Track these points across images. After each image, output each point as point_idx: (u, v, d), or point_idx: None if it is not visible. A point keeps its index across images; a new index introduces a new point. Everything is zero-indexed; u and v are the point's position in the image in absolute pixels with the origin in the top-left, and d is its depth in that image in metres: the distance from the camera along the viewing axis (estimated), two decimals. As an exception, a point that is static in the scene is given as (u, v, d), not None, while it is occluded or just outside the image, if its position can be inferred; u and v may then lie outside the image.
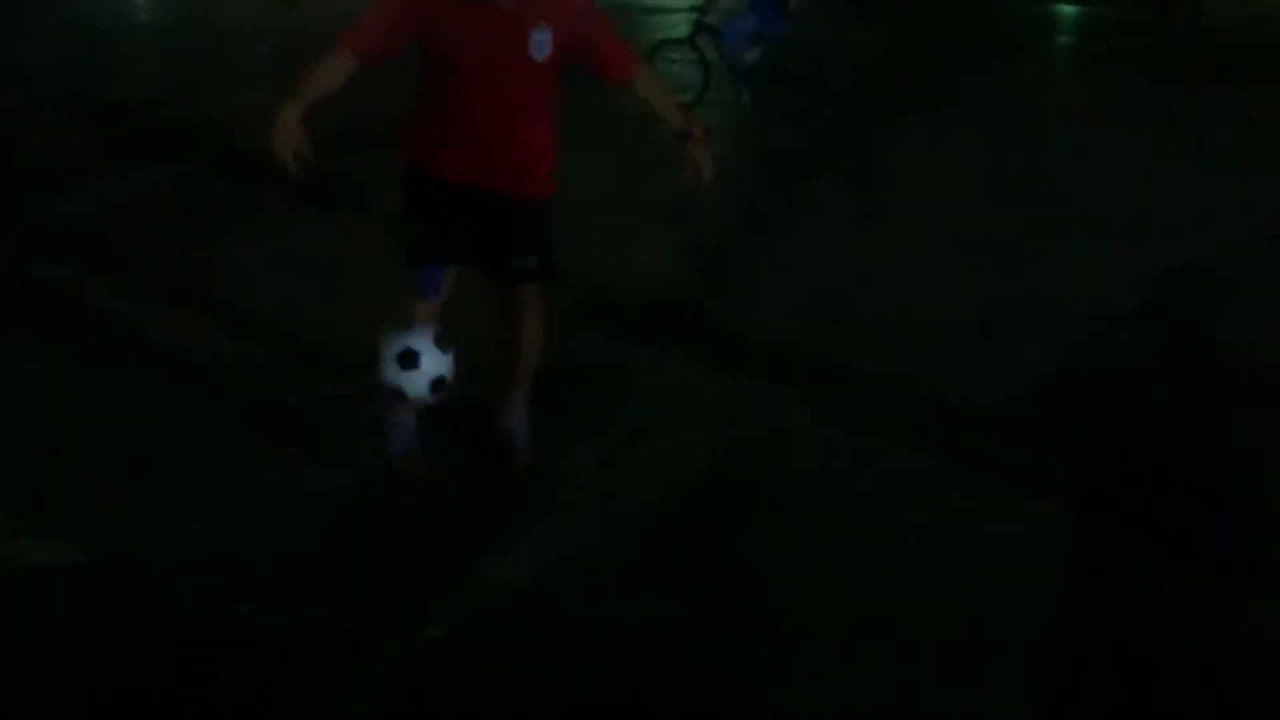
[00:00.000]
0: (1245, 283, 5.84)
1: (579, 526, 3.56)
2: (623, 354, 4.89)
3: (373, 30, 3.30)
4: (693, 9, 11.05)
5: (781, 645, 3.01)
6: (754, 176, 8.65)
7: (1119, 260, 6.17)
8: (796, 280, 5.96)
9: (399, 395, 3.36)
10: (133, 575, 3.16)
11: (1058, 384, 4.76)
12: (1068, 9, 18.23)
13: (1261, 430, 4.31)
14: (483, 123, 3.37)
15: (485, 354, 3.78)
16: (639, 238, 6.70)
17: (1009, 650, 3.06)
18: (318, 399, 4.27)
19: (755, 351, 4.99)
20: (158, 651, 2.89)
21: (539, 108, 3.46)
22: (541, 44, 3.29)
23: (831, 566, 3.38)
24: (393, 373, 3.29)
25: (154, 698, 2.75)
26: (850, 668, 2.93)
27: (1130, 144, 9.30)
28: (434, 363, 3.32)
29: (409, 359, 3.28)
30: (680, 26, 12.69)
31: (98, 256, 5.89)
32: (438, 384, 3.34)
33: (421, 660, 2.91)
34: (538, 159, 3.51)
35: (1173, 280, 5.97)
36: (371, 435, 3.83)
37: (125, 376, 4.41)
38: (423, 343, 3.31)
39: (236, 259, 5.81)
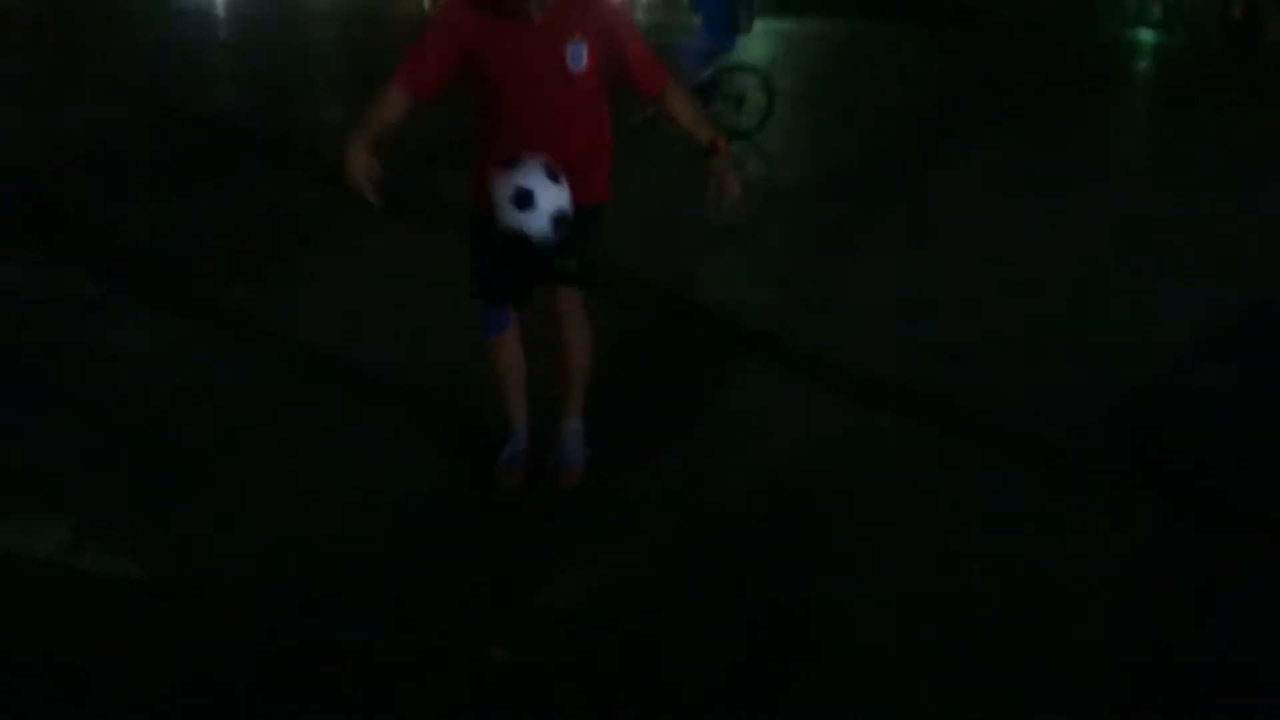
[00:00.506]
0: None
1: (640, 549, 3.46)
2: (689, 375, 4.82)
3: (419, 64, 3.37)
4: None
5: (835, 675, 2.91)
6: (818, 197, 8.59)
7: (1194, 296, 6.01)
8: (861, 302, 5.86)
9: (521, 237, 3.25)
10: (193, 589, 3.13)
11: (1124, 414, 4.59)
12: (1142, 35, 17.99)
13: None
14: (530, 139, 3.36)
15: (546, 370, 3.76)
16: (707, 256, 6.64)
17: (1064, 692, 2.90)
18: (380, 414, 4.23)
19: (823, 374, 4.88)
20: (215, 667, 2.84)
21: (584, 117, 3.48)
22: (577, 55, 3.31)
23: (891, 596, 3.25)
24: (511, 215, 3.20)
25: (210, 714, 2.71)
26: (906, 703, 2.81)
27: (1196, 175, 9.12)
28: (550, 198, 3.22)
29: (525, 199, 3.18)
30: (752, 51, 12.70)
31: (176, 268, 5.97)
32: (559, 219, 3.24)
33: (481, 681, 2.83)
34: (587, 167, 3.49)
35: (1247, 317, 5.79)
36: (436, 451, 3.78)
37: (191, 388, 4.41)
38: (535, 178, 3.21)
39: (311, 273, 5.85)
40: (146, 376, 4.49)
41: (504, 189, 3.20)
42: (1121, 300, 6.00)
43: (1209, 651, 3.06)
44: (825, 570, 3.39)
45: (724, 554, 3.46)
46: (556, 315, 3.64)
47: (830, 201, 8.47)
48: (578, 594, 3.20)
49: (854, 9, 22.50)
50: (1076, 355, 5.18)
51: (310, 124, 10.51)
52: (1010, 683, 2.91)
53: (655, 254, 6.42)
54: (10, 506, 3.43)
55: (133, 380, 4.45)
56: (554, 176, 3.23)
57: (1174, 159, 10.47)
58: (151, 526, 3.39)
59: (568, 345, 3.69)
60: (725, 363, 5.01)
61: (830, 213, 8.04)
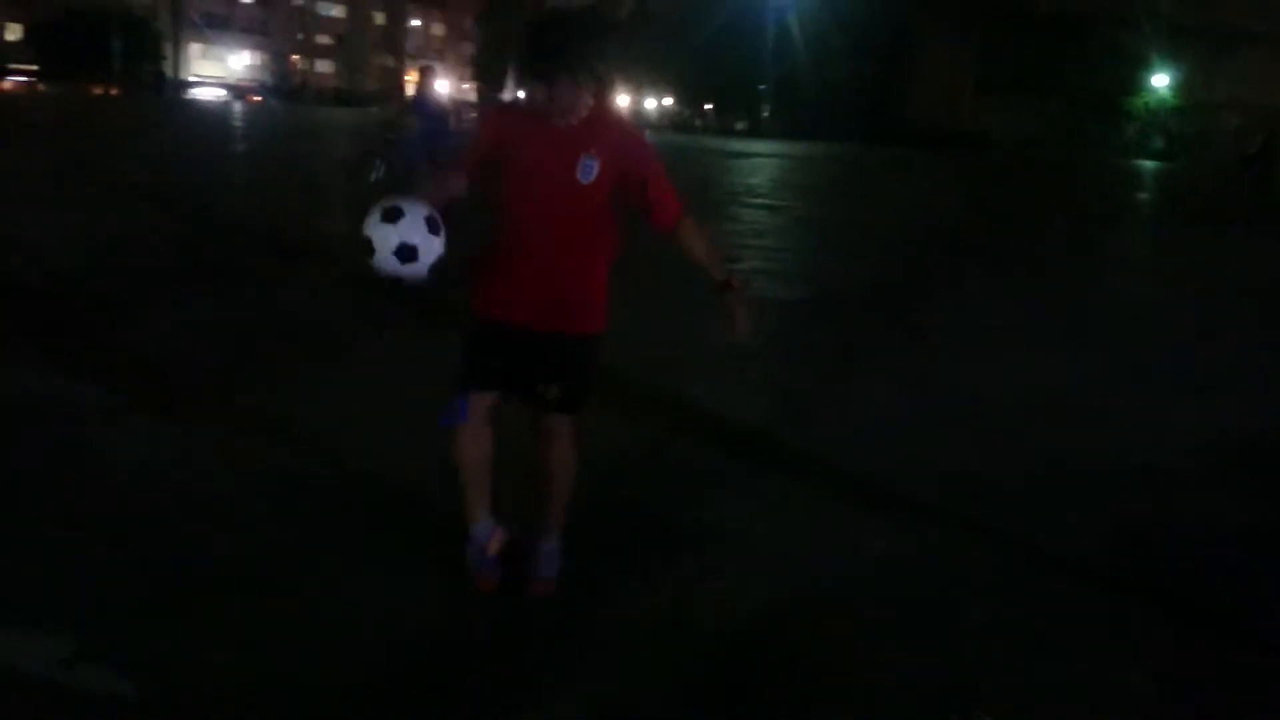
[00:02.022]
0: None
1: (628, 670, 3.35)
2: (683, 490, 4.75)
3: (471, 148, 3.54)
4: (382, 126, 16.10)
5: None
6: (817, 314, 8.64)
7: (1189, 420, 6.02)
8: (862, 419, 5.85)
9: (398, 282, 3.32)
10: (185, 713, 3.02)
11: (1143, 535, 4.54)
12: (1146, 165, 18.37)
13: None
14: (528, 245, 3.45)
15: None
16: (709, 376, 6.63)
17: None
18: (388, 526, 4.17)
19: (822, 491, 4.85)
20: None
21: (585, 236, 3.50)
22: (589, 169, 3.37)
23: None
24: (392, 266, 3.23)
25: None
26: None
27: (1197, 302, 9.19)
28: (432, 250, 3.24)
29: (408, 253, 3.21)
30: (761, 171, 12.96)
31: (188, 375, 5.98)
32: (436, 267, 3.27)
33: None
34: (582, 290, 3.53)
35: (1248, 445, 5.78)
36: (449, 566, 3.72)
37: (200, 501, 4.34)
38: (419, 234, 3.22)
39: (329, 380, 5.85)
40: (155, 488, 4.42)
41: (388, 242, 3.23)
42: (1135, 422, 5.99)
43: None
44: (823, 699, 3.27)
45: (717, 680, 3.34)
46: (540, 434, 3.64)
47: (830, 319, 8.53)
48: (563, 714, 3.08)
49: (858, 132, 23.08)
50: (1093, 476, 5.14)
51: (329, 231, 10.65)
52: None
53: (651, 367, 6.42)
54: (7, 620, 3.34)
55: (140, 491, 4.38)
56: (435, 229, 3.26)
57: (1191, 285, 10.55)
58: (149, 645, 3.29)
59: (550, 466, 3.67)
60: (721, 477, 4.96)
61: (831, 330, 8.09)
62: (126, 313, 7.30)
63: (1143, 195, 16.52)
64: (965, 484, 4.97)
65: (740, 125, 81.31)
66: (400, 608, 3.61)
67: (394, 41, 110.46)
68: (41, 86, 71.87)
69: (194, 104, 66.44)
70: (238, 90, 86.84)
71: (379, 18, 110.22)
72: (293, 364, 6.29)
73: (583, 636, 3.52)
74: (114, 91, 71.11)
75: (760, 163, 36.40)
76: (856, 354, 7.44)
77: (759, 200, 21.29)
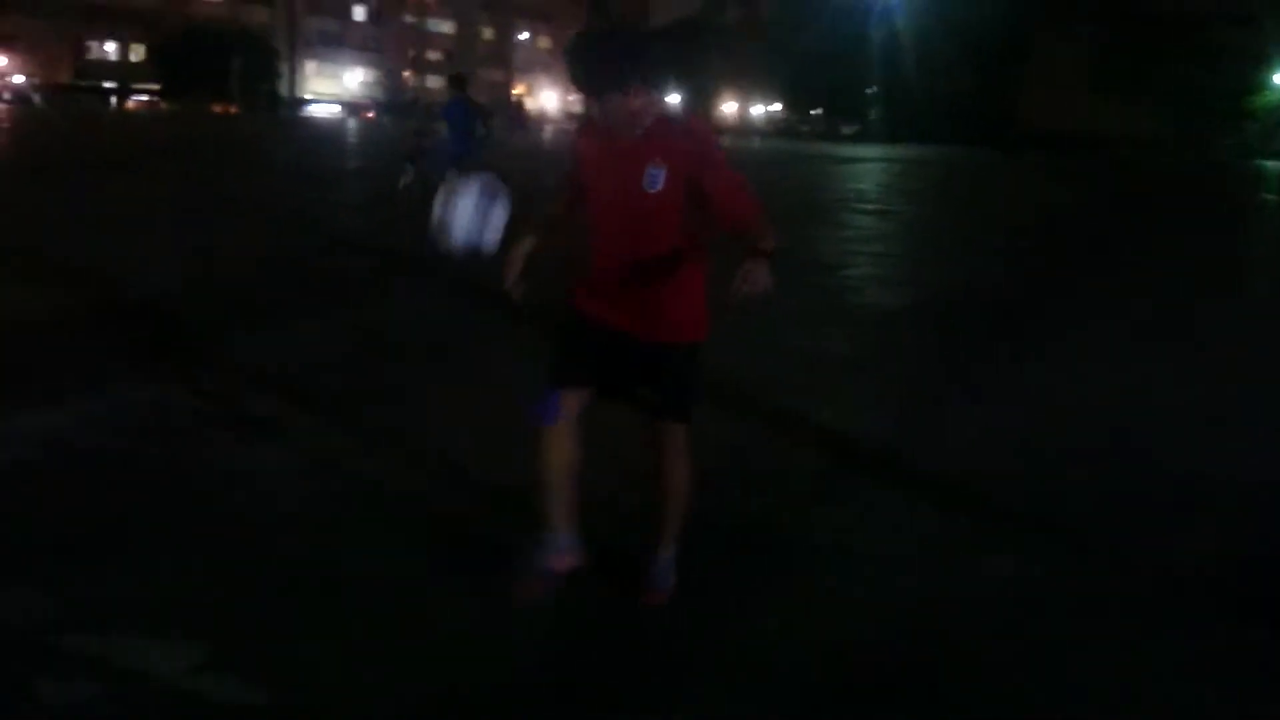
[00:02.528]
0: None
1: (736, 690, 3.28)
2: (800, 506, 4.69)
3: (566, 172, 3.68)
4: (417, 134, 16.25)
5: None
6: (934, 322, 8.47)
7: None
8: (981, 430, 5.72)
9: (475, 255, 3.61)
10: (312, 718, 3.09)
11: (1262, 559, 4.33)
12: (1270, 165, 17.67)
13: None
14: (612, 257, 3.52)
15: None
16: (820, 387, 6.56)
17: None
18: (510, 539, 4.20)
19: (947, 507, 4.73)
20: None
21: (665, 244, 3.46)
22: (654, 178, 3.37)
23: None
24: (465, 239, 3.57)
25: None
26: None
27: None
28: (499, 218, 3.60)
29: (477, 226, 3.57)
30: (870, 176, 12.85)
31: (317, 386, 6.12)
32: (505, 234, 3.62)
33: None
34: (671, 301, 3.51)
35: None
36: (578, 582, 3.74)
37: (326, 513, 4.43)
38: (483, 206, 3.58)
39: (451, 391, 5.95)
40: (280, 499, 4.53)
41: (458, 219, 3.56)
42: (1264, 438, 5.72)
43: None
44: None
45: (824, 706, 3.25)
46: (650, 442, 3.66)
47: (942, 327, 8.36)
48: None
49: (969, 135, 22.61)
50: (1223, 495, 4.92)
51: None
52: None
53: (760, 378, 6.36)
54: (140, 628, 3.45)
55: (265, 503, 4.49)
56: (497, 197, 3.62)
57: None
58: (277, 654, 3.37)
59: (661, 475, 3.68)
60: (833, 492, 4.88)
61: (943, 339, 7.93)
62: (249, 328, 7.50)
63: (1269, 197, 15.85)
64: (1089, 502, 4.81)
65: (848, 130, 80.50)
66: (519, 621, 3.63)
67: (502, 55, 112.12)
68: (163, 105, 74.75)
69: (310, 121, 68.30)
70: (352, 107, 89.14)
71: (487, 33, 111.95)
72: (409, 376, 6.40)
73: (692, 653, 3.48)
74: (233, 110, 73.56)
75: (869, 167, 35.97)
76: (969, 364, 7.28)
77: (869, 206, 21.03)
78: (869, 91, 73.85)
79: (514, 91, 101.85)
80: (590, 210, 3.59)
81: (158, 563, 3.90)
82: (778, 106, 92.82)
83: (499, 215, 3.61)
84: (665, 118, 3.46)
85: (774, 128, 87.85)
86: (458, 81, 13.46)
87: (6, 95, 71.00)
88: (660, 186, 3.38)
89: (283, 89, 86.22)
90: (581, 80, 3.35)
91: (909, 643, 3.61)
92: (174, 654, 3.30)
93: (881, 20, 69.02)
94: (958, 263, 12.56)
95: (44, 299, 8.13)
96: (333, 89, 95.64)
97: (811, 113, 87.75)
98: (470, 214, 3.54)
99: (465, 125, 12.84)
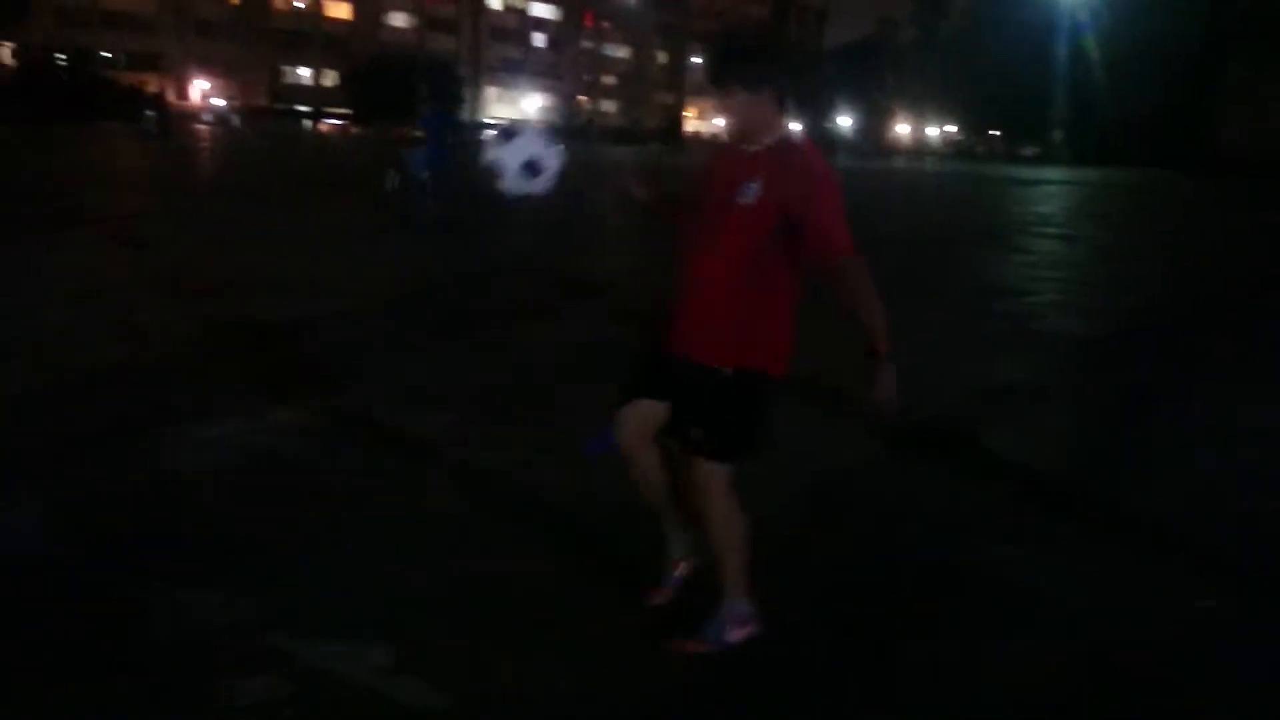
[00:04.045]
0: None
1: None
2: (978, 541, 4.53)
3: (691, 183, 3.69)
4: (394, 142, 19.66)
5: None
6: (1116, 358, 8.12)
7: None
8: (1168, 464, 5.49)
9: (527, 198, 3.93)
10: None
11: None
12: None
13: None
14: (689, 250, 3.46)
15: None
16: (1000, 418, 6.36)
17: None
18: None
19: (1128, 541, 4.55)
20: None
21: (735, 257, 3.32)
22: (748, 190, 3.30)
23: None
24: (521, 182, 3.85)
25: None
26: None
27: None
28: (552, 162, 3.88)
29: (532, 168, 3.84)
30: (1054, 199, 12.45)
31: (490, 405, 6.27)
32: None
33: None
34: (737, 323, 3.34)
35: None
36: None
37: (501, 527, 4.53)
38: (537, 149, 3.86)
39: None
40: (450, 507, 4.66)
41: (512, 161, 3.82)
42: None
43: None
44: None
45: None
46: (692, 484, 3.49)
47: (1129, 356, 8.03)
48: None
49: (1161, 158, 21.62)
50: None
51: (607, 270, 10.96)
52: None
53: (939, 408, 6.21)
54: (330, 630, 3.59)
55: (446, 511, 4.63)
56: (552, 142, 3.93)
57: None
58: (462, 658, 3.45)
59: (702, 520, 3.52)
60: (1013, 527, 4.70)
61: (1129, 369, 7.60)
62: (423, 347, 7.74)
63: None
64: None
65: (1029, 151, 78.23)
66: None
67: (675, 78, 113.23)
68: (353, 129, 78.03)
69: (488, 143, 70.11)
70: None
71: (661, 57, 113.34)
72: (576, 395, 6.46)
73: (861, 690, 3.40)
74: (419, 134, 76.18)
75: (1053, 190, 34.83)
76: (1156, 395, 6.94)
77: (1053, 230, 20.37)
78: (1051, 112, 71.61)
79: (684, 113, 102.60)
80: (692, 219, 3.50)
81: (346, 566, 4.06)
82: (953, 128, 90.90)
83: (551, 161, 3.90)
84: (789, 142, 3.35)
85: (949, 149, 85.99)
86: (438, 98, 16.22)
87: (207, 116, 75.37)
88: (752, 199, 3.28)
89: (464, 114, 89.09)
90: (714, 69, 3.37)
91: (1093, 684, 3.46)
92: (363, 656, 3.42)
93: (1068, 38, 66.91)
94: (1145, 290, 12.04)
95: (254, 310, 8.61)
96: (511, 113, 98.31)
97: (989, 134, 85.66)
98: (522, 160, 3.84)
99: (439, 134, 15.89)
